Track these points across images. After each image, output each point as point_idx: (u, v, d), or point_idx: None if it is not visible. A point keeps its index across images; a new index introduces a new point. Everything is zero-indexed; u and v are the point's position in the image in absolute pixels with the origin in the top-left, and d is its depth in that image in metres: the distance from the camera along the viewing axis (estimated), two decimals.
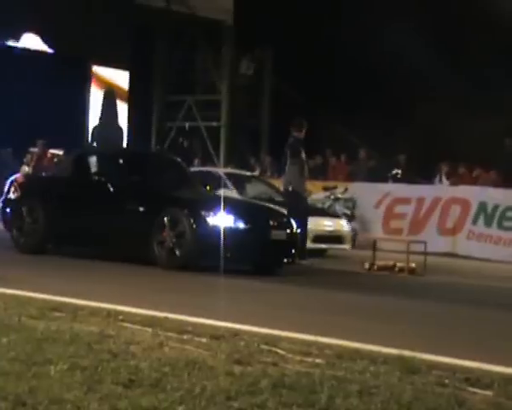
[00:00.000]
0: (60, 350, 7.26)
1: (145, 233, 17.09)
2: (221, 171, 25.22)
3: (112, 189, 18.29)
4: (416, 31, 35.06)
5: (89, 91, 34.15)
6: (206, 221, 16.91)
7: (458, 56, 36.57)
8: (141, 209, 17.56)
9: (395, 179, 29.06)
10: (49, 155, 27.64)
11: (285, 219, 18.68)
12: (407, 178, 28.22)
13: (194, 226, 16.84)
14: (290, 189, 21.18)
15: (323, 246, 22.97)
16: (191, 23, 35.74)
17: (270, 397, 6.03)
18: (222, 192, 22.07)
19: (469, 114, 33.63)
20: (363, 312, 13.13)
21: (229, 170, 26.00)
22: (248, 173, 26.24)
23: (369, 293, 15.83)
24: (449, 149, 31.48)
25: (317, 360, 7.57)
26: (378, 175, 29.46)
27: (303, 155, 21.38)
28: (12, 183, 20.11)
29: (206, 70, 38.35)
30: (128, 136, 35.13)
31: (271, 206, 21.04)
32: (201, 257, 16.46)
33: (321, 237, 22.79)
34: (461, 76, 35.16)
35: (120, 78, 34.88)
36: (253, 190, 24.40)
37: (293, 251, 18.19)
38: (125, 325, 8.95)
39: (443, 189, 29.16)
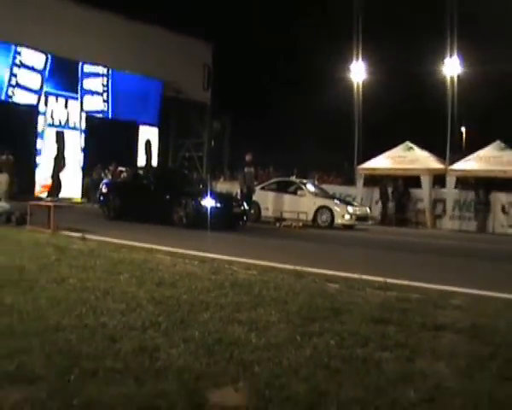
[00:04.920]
0: (124, 267, 7.28)
1: (169, 210, 17.03)
2: (297, 180, 24.04)
3: (152, 187, 18.28)
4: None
5: (137, 140, 34.06)
6: (200, 203, 16.86)
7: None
8: (167, 197, 17.41)
9: None
10: (118, 170, 27.48)
11: (240, 202, 18.80)
12: None
13: (195, 206, 16.85)
14: (245, 189, 21.14)
15: (357, 222, 21.81)
16: (188, 103, 35.60)
17: (230, 290, 6.08)
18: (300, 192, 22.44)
19: (327, 150, 33.94)
20: (277, 248, 13.16)
21: (301, 179, 24.33)
22: (305, 180, 24.41)
23: (279, 238, 15.83)
24: (318, 166, 31.55)
25: (254, 272, 7.61)
26: None
27: (248, 170, 21.30)
28: (103, 184, 20.18)
29: (196, 126, 38.17)
30: (158, 160, 35.08)
31: (233, 195, 21.16)
32: (198, 222, 16.36)
33: (359, 217, 21.93)
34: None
35: (153, 131, 34.78)
36: (311, 188, 23.22)
37: (244, 218, 18.24)
38: (157, 255, 8.94)
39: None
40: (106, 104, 31.67)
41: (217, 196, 18.36)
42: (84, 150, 30.35)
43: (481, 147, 26.40)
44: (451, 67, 28.80)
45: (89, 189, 29.02)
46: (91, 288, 5.80)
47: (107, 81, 31.49)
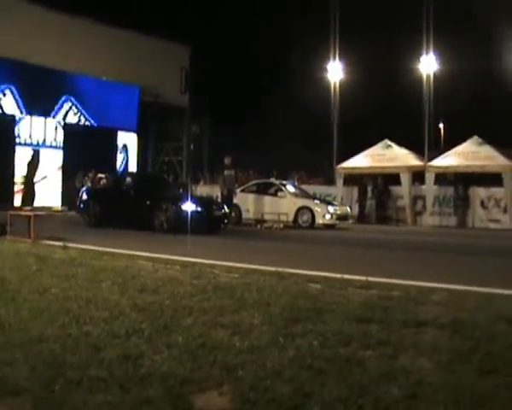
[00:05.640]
0: (106, 275, 7.25)
1: (150, 215, 16.98)
2: (277, 181, 24.06)
3: (132, 193, 18.19)
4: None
5: (116, 146, 34.02)
6: (181, 208, 16.82)
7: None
8: (148, 203, 17.32)
9: None
10: (97, 177, 27.37)
11: (220, 205, 18.68)
12: None
13: (175, 210, 16.79)
14: (225, 192, 21.17)
15: (338, 222, 21.85)
16: (167, 107, 35.56)
17: (212, 294, 6.09)
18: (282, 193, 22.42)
19: (306, 150, 34.02)
20: (258, 250, 13.20)
21: (280, 181, 24.42)
22: (285, 182, 24.52)
23: (260, 240, 15.87)
24: (297, 166, 31.65)
25: (235, 275, 7.62)
26: None
27: (228, 172, 21.36)
28: (83, 191, 20.06)
29: (175, 130, 38.12)
30: (137, 166, 35.05)
31: (214, 199, 21.06)
32: (178, 227, 16.28)
33: (340, 217, 21.98)
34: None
35: (131, 137, 34.74)
36: (291, 189, 23.26)
37: (225, 221, 18.18)
38: (139, 261, 8.92)
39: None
40: (85, 119, 31.72)
41: (197, 200, 18.29)
42: (64, 158, 30.25)
43: (459, 143, 26.63)
44: (428, 65, 29.04)
45: (71, 196, 28.88)
46: (74, 297, 5.78)
47: (77, 106, 31.40)
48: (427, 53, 28.92)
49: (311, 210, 21.58)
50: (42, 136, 29.72)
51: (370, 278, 7.22)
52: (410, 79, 30.64)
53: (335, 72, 31.40)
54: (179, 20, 38.92)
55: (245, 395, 3.29)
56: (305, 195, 23.55)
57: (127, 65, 32.15)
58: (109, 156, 33.14)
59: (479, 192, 24.96)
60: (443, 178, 26.79)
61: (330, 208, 21.80)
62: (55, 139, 30.29)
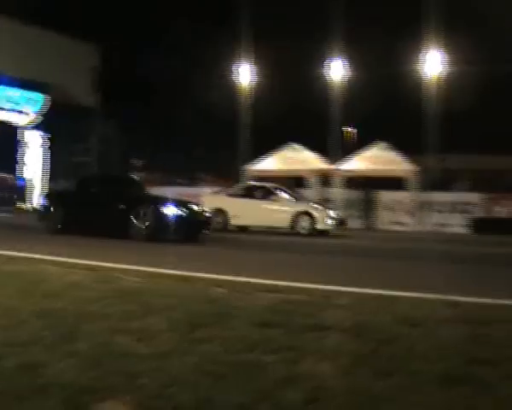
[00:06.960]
0: (9, 280, 7.03)
1: (125, 220, 15.78)
2: (267, 184, 22.35)
3: (103, 196, 17.04)
4: None
5: (17, 144, 33.03)
6: (160, 211, 15.79)
7: None
8: (121, 207, 16.18)
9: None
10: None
11: (203, 209, 17.63)
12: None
13: (155, 214, 15.74)
14: None
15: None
16: (76, 108, 34.95)
17: (118, 299, 5.99)
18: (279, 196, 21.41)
19: (217, 152, 34.10)
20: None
21: (273, 184, 22.33)
22: (270, 185, 22.37)
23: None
24: (206, 168, 31.66)
25: (142, 280, 7.47)
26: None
27: (138, 175, 21.11)
28: (43, 196, 19.23)
29: (84, 131, 37.61)
30: (44, 166, 34.08)
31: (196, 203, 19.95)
32: (158, 233, 15.51)
33: (339, 222, 21.50)
34: None
35: (35, 135, 33.67)
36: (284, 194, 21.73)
37: (208, 227, 17.33)
38: (47, 266, 8.64)
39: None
40: None
41: (179, 202, 16.94)
42: None
43: (367, 147, 27.37)
44: (335, 70, 29.70)
45: None
46: None
47: None
48: (334, 59, 29.60)
49: (310, 215, 20.49)
50: None
51: (279, 282, 7.31)
52: (318, 84, 31.26)
53: (245, 74, 31.63)
54: (91, 19, 38.30)
55: (148, 404, 3.27)
56: (300, 198, 22.45)
57: (34, 62, 31.34)
58: (10, 155, 32.04)
59: (384, 195, 25.73)
60: (352, 181, 27.48)
61: (331, 213, 20.98)
62: None
